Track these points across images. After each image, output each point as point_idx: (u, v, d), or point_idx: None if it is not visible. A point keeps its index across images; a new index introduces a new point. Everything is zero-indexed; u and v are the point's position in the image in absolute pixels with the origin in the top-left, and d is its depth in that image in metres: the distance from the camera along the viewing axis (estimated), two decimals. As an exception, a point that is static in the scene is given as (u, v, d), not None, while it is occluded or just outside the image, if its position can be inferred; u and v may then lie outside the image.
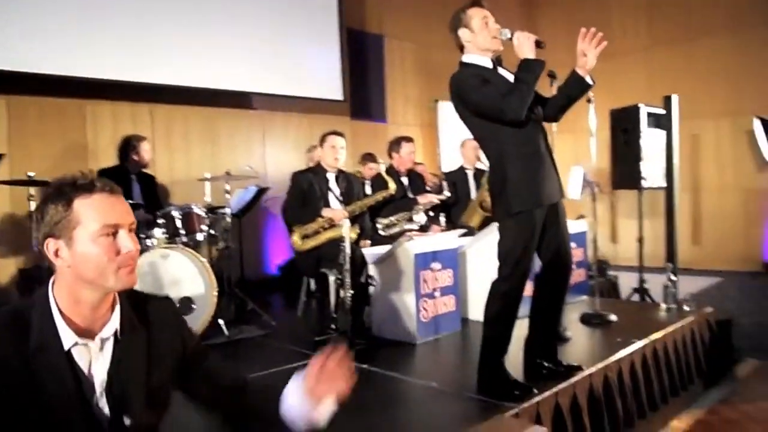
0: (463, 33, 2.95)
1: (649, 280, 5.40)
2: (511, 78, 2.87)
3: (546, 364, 3.01)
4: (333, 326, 3.86)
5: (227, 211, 4.44)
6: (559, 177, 2.97)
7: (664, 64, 9.19)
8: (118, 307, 1.44)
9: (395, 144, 5.07)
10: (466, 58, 2.97)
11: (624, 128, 5.16)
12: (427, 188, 5.13)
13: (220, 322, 4.00)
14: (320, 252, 4.16)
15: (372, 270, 3.87)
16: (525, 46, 2.74)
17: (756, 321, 5.90)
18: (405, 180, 5.02)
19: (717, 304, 6.53)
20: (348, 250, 3.72)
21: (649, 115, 5.15)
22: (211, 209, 4.43)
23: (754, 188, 8.69)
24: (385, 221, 4.60)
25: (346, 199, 4.39)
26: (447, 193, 4.94)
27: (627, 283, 5.91)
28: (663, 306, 4.43)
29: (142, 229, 4.02)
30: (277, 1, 6.83)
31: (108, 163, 5.02)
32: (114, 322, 1.42)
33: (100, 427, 1.38)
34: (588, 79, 2.86)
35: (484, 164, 5.34)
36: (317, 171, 4.37)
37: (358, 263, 3.85)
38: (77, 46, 5.17)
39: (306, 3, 7.10)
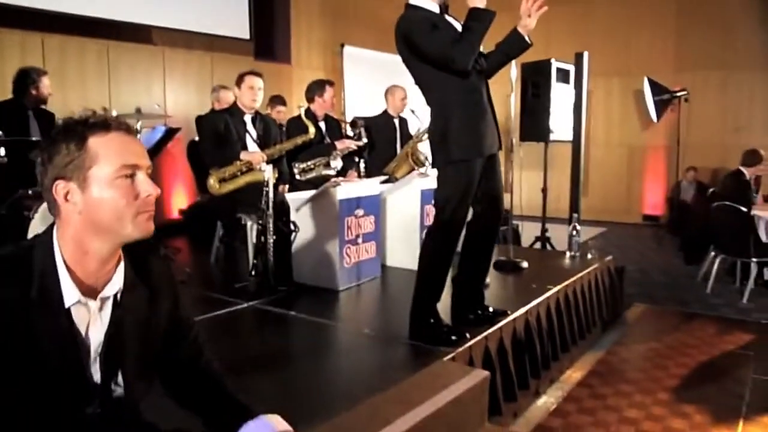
0: None
1: (548, 229, 5.68)
2: (458, 26, 2.83)
3: (477, 312, 3.08)
4: (252, 272, 3.75)
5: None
6: (499, 129, 2.99)
7: (562, 23, 9.46)
8: (122, 265, 1.29)
9: (318, 87, 4.84)
10: (415, 0, 2.88)
11: (534, 82, 5.28)
12: (348, 134, 5.02)
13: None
14: (237, 196, 4.00)
15: (294, 215, 3.77)
16: None
17: (639, 269, 6.39)
18: (322, 125, 4.88)
19: (603, 253, 7.04)
20: (271, 195, 3.60)
21: (559, 70, 5.30)
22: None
23: (639, 145, 9.29)
24: (303, 165, 4.47)
25: (264, 143, 4.22)
26: (365, 140, 4.86)
27: (527, 231, 6.18)
28: (568, 254, 4.66)
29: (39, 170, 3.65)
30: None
31: (-7, 94, 4.54)
32: (117, 281, 1.28)
33: (89, 393, 1.26)
34: (527, 39, 2.89)
35: (412, 114, 5.29)
36: (233, 112, 4.16)
37: (280, 208, 3.74)
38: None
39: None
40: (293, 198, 3.70)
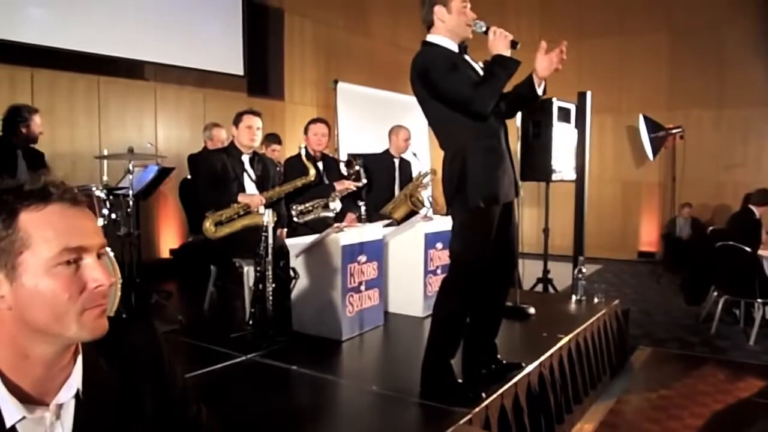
0: (439, 10, 2.73)
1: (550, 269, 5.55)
2: (477, 67, 2.76)
3: (490, 366, 2.93)
4: (250, 322, 3.57)
5: (129, 192, 3.98)
6: (516, 175, 2.90)
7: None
8: (80, 358, 1.05)
9: (307, 125, 4.76)
10: (433, 38, 2.77)
11: (535, 121, 5.21)
12: (347, 173, 4.88)
13: (124, 317, 3.57)
14: (233, 240, 3.85)
15: (294, 261, 3.61)
16: (500, 42, 2.63)
17: (640, 309, 6.26)
18: (320, 165, 4.75)
19: (600, 291, 6.92)
20: (270, 240, 3.45)
21: (560, 109, 5.23)
22: (112, 191, 3.96)
23: (633, 181, 9.25)
24: (301, 208, 4.33)
25: (263, 184, 4.08)
26: (364, 180, 4.73)
27: (527, 270, 6.05)
28: (574, 297, 4.53)
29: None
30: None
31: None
32: (75, 380, 1.03)
33: None
34: (537, 89, 2.75)
35: (417, 158, 5.18)
36: (231, 151, 4.03)
37: (278, 254, 3.59)
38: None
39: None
40: (293, 243, 3.55)
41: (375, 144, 6.54)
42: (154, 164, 4.61)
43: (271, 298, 3.43)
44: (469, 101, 2.60)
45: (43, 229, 0.96)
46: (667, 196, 8.41)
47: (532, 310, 4.12)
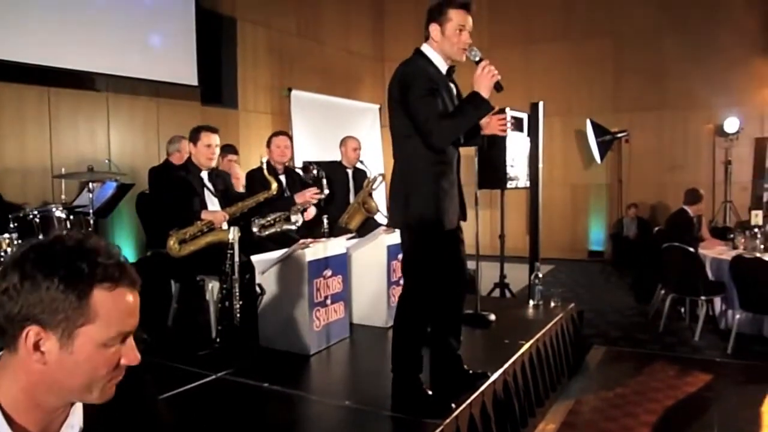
0: (433, 30, 2.75)
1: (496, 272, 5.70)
2: (453, 95, 2.81)
3: (456, 376, 3.02)
4: (217, 339, 3.58)
5: (90, 211, 3.93)
6: (464, 200, 2.96)
7: (502, 65, 9.67)
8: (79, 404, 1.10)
9: (270, 138, 4.80)
10: (426, 49, 2.79)
11: (490, 130, 5.33)
12: (306, 180, 4.91)
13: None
14: (197, 256, 3.84)
15: (259, 278, 3.63)
16: (485, 80, 2.62)
17: (593, 308, 6.48)
18: (283, 178, 4.76)
19: (554, 292, 7.12)
20: (237, 257, 3.47)
21: (513, 118, 5.38)
22: (73, 210, 3.90)
23: (581, 183, 9.54)
24: (262, 221, 4.34)
25: (224, 198, 4.09)
26: (326, 190, 4.75)
27: (484, 273, 6.19)
28: (531, 302, 4.68)
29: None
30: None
31: None
32: (76, 419, 1.09)
33: None
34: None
35: (364, 165, 5.24)
36: (189, 168, 4.02)
37: (244, 269, 3.60)
38: None
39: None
40: (258, 260, 3.57)
41: (330, 151, 6.56)
42: (112, 181, 4.54)
43: (238, 314, 3.45)
44: (430, 132, 2.62)
45: (109, 310, 1.02)
46: (614, 197, 8.71)
47: (492, 317, 4.24)
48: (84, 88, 6.12)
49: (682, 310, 5.90)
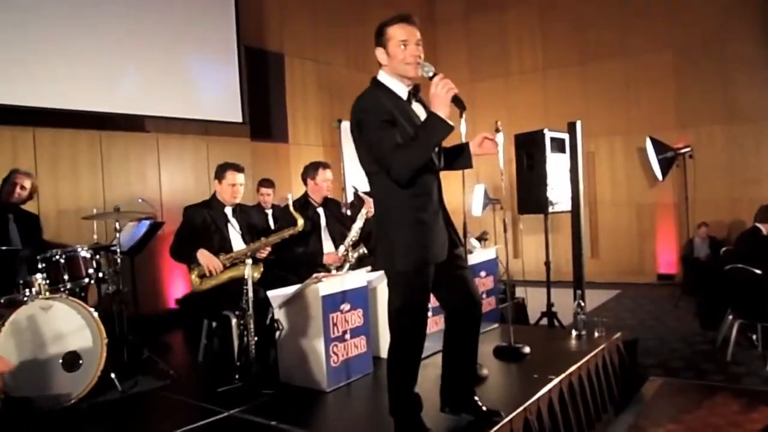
0: (379, 54, 2.63)
1: (553, 297, 5.43)
2: (422, 118, 2.61)
3: (470, 414, 2.85)
4: (236, 375, 3.56)
5: (117, 250, 4.03)
6: (454, 228, 2.76)
7: (559, 85, 9.49)
8: None
9: (312, 170, 4.70)
10: (381, 77, 2.66)
11: (529, 153, 5.16)
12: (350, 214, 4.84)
13: (112, 375, 3.59)
14: (221, 292, 3.87)
15: (277, 313, 3.60)
16: (440, 97, 2.41)
17: (656, 335, 6.09)
18: (321, 211, 4.73)
19: (618, 318, 6.74)
20: (251, 293, 3.45)
21: (553, 140, 5.18)
22: (98, 250, 4.01)
23: (647, 203, 9.08)
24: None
25: (249, 234, 4.10)
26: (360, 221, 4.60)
27: (535, 301, 5.95)
28: (573, 333, 4.42)
29: (21, 277, 3.58)
30: (169, 20, 6.42)
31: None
32: None
33: None
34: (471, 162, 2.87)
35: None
36: (213, 205, 4.07)
37: (262, 305, 3.58)
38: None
39: (202, 21, 6.73)
40: (274, 295, 3.53)
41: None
42: (147, 219, 4.66)
43: (254, 351, 3.42)
44: (388, 167, 2.48)
45: None
46: (683, 216, 8.21)
47: (527, 350, 4.02)
48: (134, 130, 6.36)
49: (754, 337, 5.43)
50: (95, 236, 4.52)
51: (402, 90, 2.63)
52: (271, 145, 7.89)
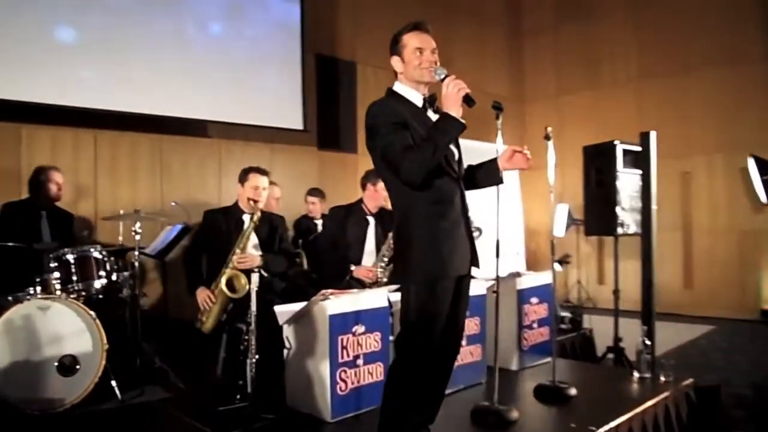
0: (395, 62, 2.60)
1: (633, 332, 4.79)
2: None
3: None
4: (238, 396, 3.28)
5: (136, 253, 3.89)
6: (474, 244, 2.58)
7: (654, 97, 8.72)
8: None
9: (372, 176, 4.41)
10: (396, 87, 2.61)
11: (598, 167, 4.60)
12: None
13: (113, 383, 3.41)
14: (234, 303, 3.64)
15: (286, 330, 3.29)
16: (451, 97, 2.35)
17: (751, 383, 5.28)
18: (371, 220, 4.42)
19: (706, 359, 5.94)
20: (254, 308, 3.17)
21: (627, 153, 4.59)
22: (114, 252, 3.88)
23: (751, 230, 8.10)
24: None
25: (268, 243, 3.84)
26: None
27: (609, 331, 5.30)
28: (636, 375, 3.82)
29: (29, 275, 3.49)
30: (235, 27, 6.35)
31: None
32: None
33: None
34: (501, 177, 2.74)
35: None
36: (231, 211, 3.84)
37: (270, 322, 3.28)
38: (15, 70, 4.75)
39: (267, 28, 6.62)
40: (281, 311, 3.22)
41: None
42: (181, 223, 4.52)
43: (253, 370, 3.13)
44: (398, 169, 2.38)
45: None
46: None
47: (572, 392, 3.47)
48: (196, 135, 6.32)
49: None
50: (120, 238, 4.42)
51: (417, 98, 2.59)
52: (338, 154, 7.67)
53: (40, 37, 4.89)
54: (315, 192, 5.68)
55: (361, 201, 4.50)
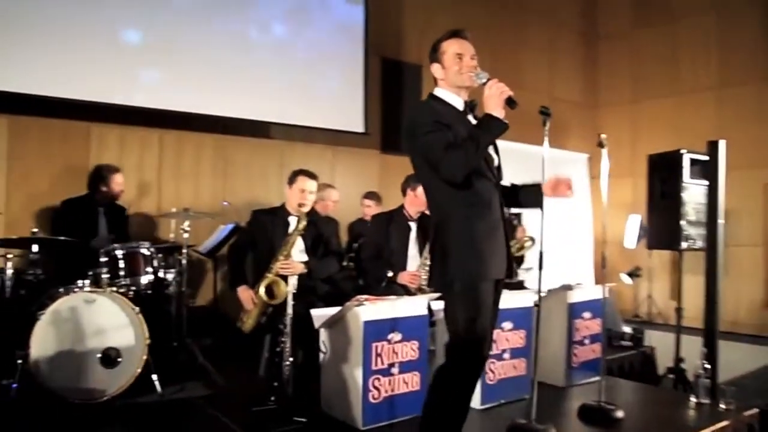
0: (435, 69, 2.60)
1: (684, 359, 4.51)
2: None
3: None
4: (272, 397, 3.29)
5: (183, 250, 3.98)
6: (510, 252, 2.54)
7: (736, 105, 8.20)
8: None
9: (412, 180, 4.41)
10: (438, 91, 2.61)
11: (662, 177, 4.36)
12: None
13: (154, 377, 3.49)
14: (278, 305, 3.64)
15: (322, 334, 3.27)
16: (494, 99, 2.36)
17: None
18: (413, 225, 4.37)
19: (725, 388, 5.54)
20: (290, 311, 3.17)
21: (695, 162, 4.32)
22: (163, 249, 3.98)
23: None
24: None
25: (315, 247, 3.84)
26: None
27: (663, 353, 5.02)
28: (692, 400, 3.58)
29: (83, 268, 3.64)
30: (297, 29, 6.42)
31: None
32: None
33: None
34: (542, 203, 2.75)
35: None
36: (279, 213, 3.86)
37: (306, 325, 3.27)
38: (85, 70, 4.96)
39: (330, 30, 6.66)
40: (317, 315, 3.20)
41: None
42: (231, 223, 4.60)
43: (287, 372, 3.13)
44: (438, 166, 2.37)
45: None
46: None
47: (619, 414, 3.27)
48: (259, 137, 6.43)
49: None
50: (172, 235, 4.53)
51: (458, 102, 2.59)
52: (401, 158, 7.54)
53: (109, 40, 5.09)
54: (371, 195, 5.67)
55: (402, 207, 4.48)
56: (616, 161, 9.55)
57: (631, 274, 8.33)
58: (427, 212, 4.33)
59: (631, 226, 8.41)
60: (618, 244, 8.43)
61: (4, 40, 4.58)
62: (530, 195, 2.77)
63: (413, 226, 4.42)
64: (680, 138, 8.03)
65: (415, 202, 4.39)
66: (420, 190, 4.27)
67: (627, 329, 5.46)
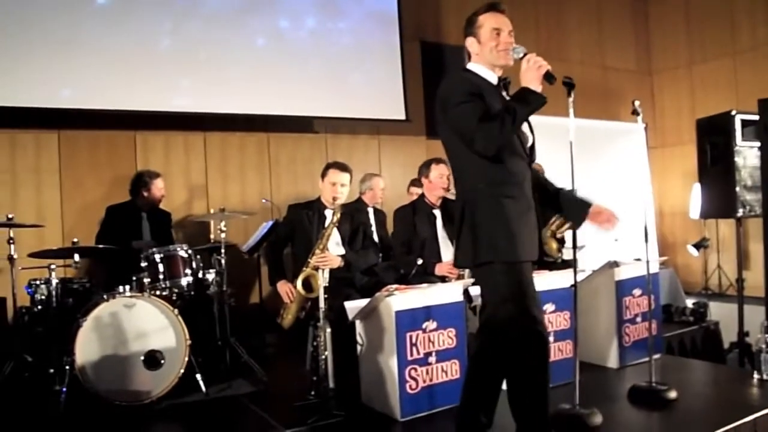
0: (470, 43, 2.52)
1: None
2: None
3: None
4: (312, 392, 3.30)
5: (222, 250, 4.03)
6: (541, 234, 2.47)
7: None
8: None
9: (425, 167, 4.33)
10: (471, 65, 2.53)
11: (713, 142, 4.11)
12: None
13: (198, 377, 3.55)
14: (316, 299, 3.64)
15: (358, 326, 3.25)
16: (532, 72, 2.30)
17: None
18: (437, 213, 4.30)
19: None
20: (322, 304, 3.16)
21: (746, 123, 4.06)
22: (201, 250, 4.05)
23: None
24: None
25: (351, 239, 3.82)
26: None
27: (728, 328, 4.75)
28: (755, 377, 3.37)
29: (128, 274, 3.74)
30: (329, 20, 6.40)
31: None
32: None
33: None
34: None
35: None
36: (314, 206, 3.85)
37: (342, 318, 3.26)
38: (126, 82, 5.11)
39: (362, 18, 6.59)
40: (351, 306, 3.18)
41: (559, 173, 5.87)
42: (271, 220, 4.63)
43: (323, 366, 3.13)
44: (472, 138, 2.29)
45: None
46: None
47: (672, 395, 3.11)
48: (302, 131, 6.45)
49: None
50: (212, 236, 4.60)
51: (492, 77, 2.50)
52: (448, 144, 7.49)
53: (147, 50, 5.21)
54: (418, 182, 5.60)
55: (423, 196, 4.40)
56: (676, 128, 9.04)
57: (698, 246, 7.94)
58: (449, 196, 4.27)
59: (697, 196, 8.03)
60: (683, 215, 8.07)
61: (54, 63, 4.80)
62: (574, 208, 2.65)
63: (438, 213, 4.32)
64: (742, 99, 7.60)
65: (432, 187, 4.31)
66: (433, 173, 4.23)
67: (689, 303, 5.21)
